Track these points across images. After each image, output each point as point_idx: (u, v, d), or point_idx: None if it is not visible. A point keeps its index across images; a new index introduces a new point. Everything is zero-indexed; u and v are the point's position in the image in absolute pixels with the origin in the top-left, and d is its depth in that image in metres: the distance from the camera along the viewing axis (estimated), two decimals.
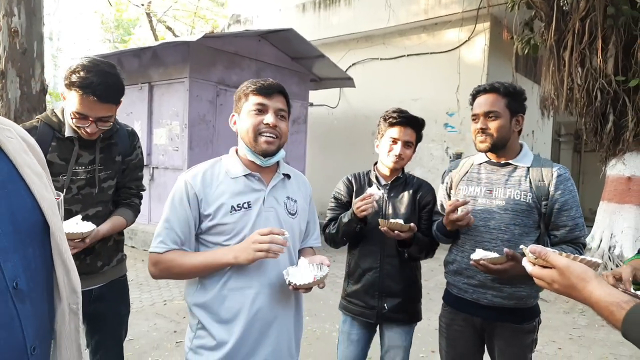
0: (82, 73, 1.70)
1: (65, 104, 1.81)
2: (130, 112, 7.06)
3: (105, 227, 1.90)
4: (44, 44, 4.12)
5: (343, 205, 2.21)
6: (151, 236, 1.41)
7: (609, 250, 5.98)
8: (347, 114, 9.37)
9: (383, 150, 2.13)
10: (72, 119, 1.77)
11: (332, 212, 2.22)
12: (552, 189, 1.85)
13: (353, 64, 9.37)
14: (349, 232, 2.05)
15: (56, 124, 1.84)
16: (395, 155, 2.07)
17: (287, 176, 1.65)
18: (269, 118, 1.51)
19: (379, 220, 1.94)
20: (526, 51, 6.45)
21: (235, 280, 1.47)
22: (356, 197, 2.13)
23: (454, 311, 2.03)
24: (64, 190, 1.82)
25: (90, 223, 1.79)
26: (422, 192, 2.17)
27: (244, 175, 1.53)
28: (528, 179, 1.89)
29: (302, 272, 1.44)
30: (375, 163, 2.24)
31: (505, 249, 1.68)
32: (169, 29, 17.65)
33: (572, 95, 6.03)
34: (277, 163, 1.63)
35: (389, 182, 2.17)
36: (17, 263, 0.77)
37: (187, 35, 16.84)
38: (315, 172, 8.59)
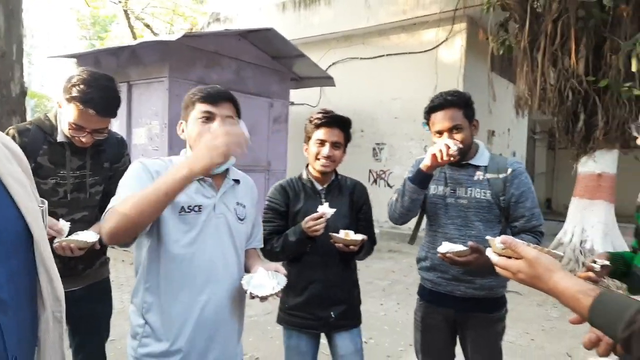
0: (82, 87, 1.72)
1: (61, 111, 1.83)
2: None
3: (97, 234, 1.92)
4: (23, 45, 4.06)
5: (280, 214, 2.07)
6: None
7: (581, 244, 6.20)
8: None
9: (312, 154, 2.04)
10: (68, 129, 1.79)
11: (270, 224, 2.04)
12: (508, 184, 1.97)
13: (333, 63, 9.44)
14: (297, 251, 1.98)
15: (48, 128, 1.86)
16: (324, 157, 2.00)
17: (237, 181, 1.63)
18: (216, 126, 1.47)
19: (331, 235, 1.87)
20: (501, 52, 6.60)
21: (186, 287, 1.44)
22: (293, 205, 2.07)
23: (428, 305, 2.12)
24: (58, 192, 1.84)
25: (94, 233, 1.82)
26: (357, 193, 2.15)
27: (197, 180, 1.48)
28: (486, 177, 2.00)
29: (261, 283, 1.44)
30: (307, 166, 2.14)
31: (470, 242, 1.76)
32: (147, 26, 17.40)
33: (545, 95, 6.21)
34: (227, 168, 1.60)
35: (324, 186, 2.10)
36: (1, 274, 0.77)
37: (166, 33, 16.66)
38: (296, 170, 8.54)
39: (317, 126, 2.04)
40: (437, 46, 8.25)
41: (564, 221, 6.75)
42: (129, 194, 1.30)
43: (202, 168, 1.21)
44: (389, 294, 5.32)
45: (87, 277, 2.02)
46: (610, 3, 5.20)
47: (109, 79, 1.85)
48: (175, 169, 1.24)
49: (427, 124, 2.07)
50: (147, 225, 1.33)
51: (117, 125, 6.96)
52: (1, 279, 0.78)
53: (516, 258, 1.02)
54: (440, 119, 1.98)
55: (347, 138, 2.10)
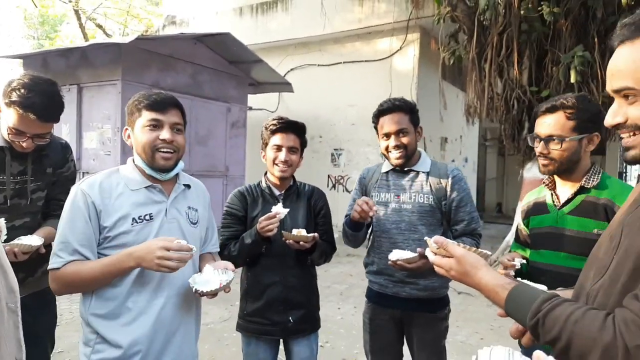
0: (22, 91, 1.68)
1: (0, 115, 1.77)
2: None
3: (41, 238, 1.87)
4: None
5: (239, 220, 2.09)
6: None
7: None
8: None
9: (269, 159, 2.08)
10: (8, 133, 1.74)
11: (228, 230, 2.08)
12: (448, 189, 2.08)
13: (291, 69, 9.48)
14: (253, 253, 2.01)
15: None
16: (282, 162, 2.03)
17: (187, 186, 1.64)
18: (165, 134, 1.48)
19: (283, 232, 1.90)
20: (452, 61, 6.86)
21: (141, 293, 1.45)
22: (251, 209, 2.10)
23: (376, 306, 2.19)
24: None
25: (37, 237, 1.81)
26: (315, 198, 2.19)
27: (145, 187, 1.50)
28: (428, 183, 2.10)
29: (207, 279, 1.45)
30: (265, 173, 2.17)
31: (419, 249, 1.84)
32: (100, 26, 16.85)
33: (492, 104, 6.51)
34: (177, 174, 1.62)
35: (282, 191, 2.13)
36: None
37: (120, 35, 16.18)
38: (255, 175, 8.51)
39: (273, 132, 2.07)
40: (392, 55, 8.46)
41: (511, 224, 7.08)
42: (75, 267, 1.40)
43: (148, 268, 1.37)
44: (347, 297, 5.39)
45: (28, 285, 1.95)
46: (550, 17, 5.52)
47: (52, 83, 1.81)
48: (122, 258, 1.38)
49: (376, 128, 2.15)
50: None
51: (66, 129, 6.70)
52: None
53: (449, 257, 1.10)
54: (388, 122, 2.07)
55: (303, 143, 2.14)
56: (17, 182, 1.86)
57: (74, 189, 1.46)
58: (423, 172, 2.13)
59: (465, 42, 6.74)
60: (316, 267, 2.22)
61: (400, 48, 8.38)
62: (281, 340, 2.14)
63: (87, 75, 6.55)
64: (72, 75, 6.61)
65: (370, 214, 1.91)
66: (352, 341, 4.00)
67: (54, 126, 1.86)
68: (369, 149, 8.69)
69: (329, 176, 9.33)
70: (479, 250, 1.17)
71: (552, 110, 1.66)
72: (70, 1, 14.96)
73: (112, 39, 7.47)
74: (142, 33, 13.22)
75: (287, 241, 1.91)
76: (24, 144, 1.78)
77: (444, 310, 2.15)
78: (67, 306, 4.60)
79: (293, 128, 2.09)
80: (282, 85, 8.51)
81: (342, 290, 5.66)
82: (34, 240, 1.76)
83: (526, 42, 6.14)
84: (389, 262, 1.88)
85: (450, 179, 2.09)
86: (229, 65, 7.82)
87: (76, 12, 15.17)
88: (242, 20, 9.90)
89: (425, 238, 1.24)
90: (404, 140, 2.05)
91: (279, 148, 2.05)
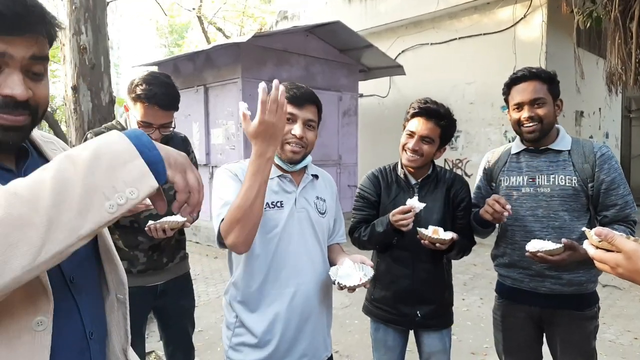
0: (144, 86, 1.86)
1: (129, 114, 1.98)
2: (188, 114, 7.38)
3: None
4: (110, 57, 4.41)
5: (371, 204, 2.00)
6: (213, 232, 1.45)
7: None
8: (398, 102, 9.23)
9: (401, 145, 1.94)
10: (138, 127, 1.92)
11: (359, 212, 2.02)
12: (596, 169, 1.79)
13: (402, 52, 9.20)
14: (384, 242, 1.91)
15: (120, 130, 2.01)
16: (409, 149, 1.87)
17: (315, 177, 1.66)
18: (297, 129, 1.50)
19: (418, 230, 1.77)
20: (588, 25, 6.05)
21: (273, 281, 1.50)
22: (385, 195, 1.99)
23: (509, 303, 1.99)
24: None
25: (180, 216, 1.96)
26: (456, 189, 1.98)
27: (277, 176, 1.54)
28: (570, 162, 1.83)
29: (348, 273, 1.46)
30: None
31: (563, 240, 1.62)
32: (220, 30, 18.14)
33: None
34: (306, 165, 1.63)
35: (419, 180, 1.98)
36: (73, 260, 0.84)
37: (237, 36, 17.24)
38: (367, 163, 8.52)
39: (412, 115, 1.91)
40: (515, 24, 7.72)
41: None
42: (231, 200, 1.35)
43: (272, 151, 1.29)
44: (471, 288, 5.12)
45: (169, 271, 2.14)
46: None
47: (167, 76, 1.99)
48: (256, 158, 1.29)
49: (507, 100, 1.93)
50: (260, 218, 1.35)
51: (196, 127, 7.33)
52: (72, 265, 0.87)
53: (614, 251, 0.93)
54: (522, 91, 1.85)
55: (444, 134, 1.91)
56: None
57: (218, 170, 1.56)
58: (563, 150, 1.86)
59: (604, 1, 5.88)
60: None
61: (525, 16, 7.60)
62: (411, 331, 2.06)
63: (211, 75, 7.08)
64: (199, 77, 7.19)
65: (505, 214, 1.72)
66: (481, 334, 3.77)
67: (174, 116, 2.01)
68: (490, 129, 8.09)
69: (445, 160, 8.91)
70: None
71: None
72: (193, 9, 16.31)
73: (231, 40, 7.99)
74: (258, 31, 13.90)
75: (423, 242, 1.78)
76: (153, 136, 1.93)
77: (593, 307, 1.87)
78: (204, 288, 5.06)
79: (434, 115, 1.87)
80: (393, 69, 8.31)
81: (466, 281, 5.38)
82: (178, 218, 1.93)
83: None
84: (527, 254, 1.68)
85: (597, 158, 1.80)
86: (339, 53, 7.85)
87: (199, 18, 16.50)
88: (351, 7, 9.85)
89: (584, 229, 1.05)
90: (540, 111, 1.81)
91: (411, 134, 1.89)
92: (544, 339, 1.98)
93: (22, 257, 0.61)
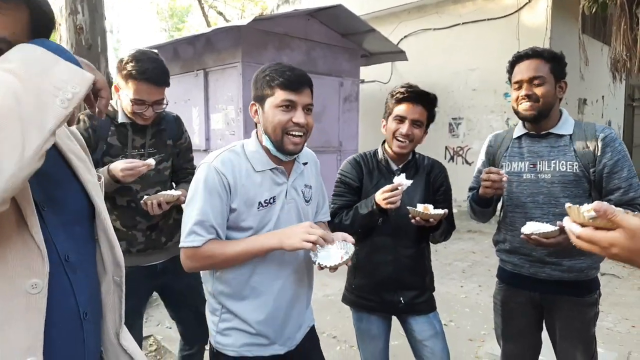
0: (135, 63, 1.85)
1: (118, 94, 1.95)
2: (188, 99, 7.32)
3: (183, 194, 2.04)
4: (107, 38, 4.34)
5: (353, 190, 1.97)
6: None
7: None
8: None
9: (389, 131, 1.90)
10: (132, 106, 1.90)
11: (340, 198, 1.97)
12: (599, 153, 1.75)
13: (405, 37, 9.11)
14: (368, 224, 1.86)
15: (112, 112, 2.00)
16: (403, 135, 1.85)
17: (305, 164, 1.61)
18: (299, 117, 1.42)
19: (409, 208, 1.74)
20: (593, 10, 5.96)
21: (261, 274, 1.47)
22: (367, 181, 1.97)
23: (509, 288, 1.98)
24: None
25: (174, 190, 2.03)
26: (435, 174, 2.00)
27: (270, 169, 1.49)
28: (572, 147, 1.80)
29: (329, 253, 1.41)
30: (383, 143, 2.01)
31: (559, 222, 1.59)
32: (220, 13, 17.95)
33: None
34: None
35: (400, 165, 1.97)
36: (68, 240, 0.86)
37: (238, 19, 17.05)
38: (368, 149, 8.47)
39: (399, 101, 1.88)
40: (519, 9, 7.63)
41: None
42: (215, 245, 1.40)
43: (290, 246, 1.35)
44: (470, 275, 5.12)
45: (168, 250, 2.13)
46: None
47: (155, 53, 2.00)
48: (266, 238, 1.41)
49: (509, 79, 1.90)
50: None
51: (196, 112, 7.28)
52: (68, 243, 0.87)
53: (608, 229, 0.82)
54: (522, 69, 1.82)
55: (431, 117, 1.93)
56: (141, 155, 2.03)
57: (205, 167, 1.42)
58: (565, 135, 1.83)
59: None
60: (433, 244, 2.07)
61: (529, 1, 7.50)
62: (393, 317, 2.07)
63: (211, 59, 7.00)
64: (199, 61, 7.11)
65: (504, 179, 1.71)
66: (478, 321, 3.78)
67: (165, 92, 2.00)
68: (492, 116, 8.04)
69: (446, 147, 8.88)
70: None
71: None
72: None
73: (231, 23, 7.90)
74: (259, 15, 13.75)
75: (414, 219, 1.76)
76: (146, 113, 1.94)
77: (593, 294, 1.86)
78: None
79: (422, 99, 1.87)
80: (395, 54, 8.20)
81: (465, 268, 5.38)
82: (173, 192, 1.95)
83: None
84: (522, 236, 1.67)
85: (599, 141, 1.75)
86: (341, 38, 7.75)
87: (199, 1, 16.31)
88: None
89: (567, 205, 0.88)
90: (538, 90, 1.77)
91: (401, 120, 1.87)
92: (544, 325, 1.98)
93: (11, 153, 0.65)
